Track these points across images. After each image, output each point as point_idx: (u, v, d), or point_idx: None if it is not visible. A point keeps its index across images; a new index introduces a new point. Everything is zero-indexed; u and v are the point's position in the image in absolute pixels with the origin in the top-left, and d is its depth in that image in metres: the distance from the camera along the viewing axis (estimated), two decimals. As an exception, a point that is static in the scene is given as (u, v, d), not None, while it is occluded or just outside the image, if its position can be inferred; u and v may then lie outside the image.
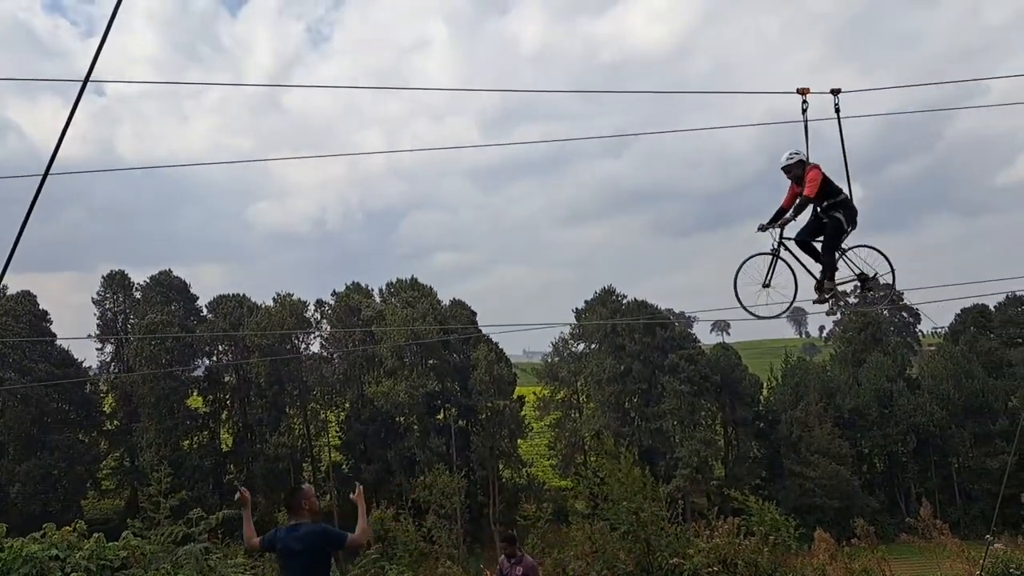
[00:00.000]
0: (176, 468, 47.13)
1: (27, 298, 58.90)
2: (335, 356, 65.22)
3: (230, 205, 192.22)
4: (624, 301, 65.81)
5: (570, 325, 67.35)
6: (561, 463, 63.01)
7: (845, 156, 8.67)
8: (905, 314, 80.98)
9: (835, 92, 8.50)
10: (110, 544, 9.85)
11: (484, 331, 61.20)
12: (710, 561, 13.85)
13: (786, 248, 8.86)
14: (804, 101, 8.46)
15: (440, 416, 61.60)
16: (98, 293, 65.01)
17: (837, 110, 8.57)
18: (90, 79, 3.38)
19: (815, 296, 8.95)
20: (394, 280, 68.08)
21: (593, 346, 66.38)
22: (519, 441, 62.46)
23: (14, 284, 60.74)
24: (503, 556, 11.19)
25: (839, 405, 61.45)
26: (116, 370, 62.84)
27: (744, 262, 8.95)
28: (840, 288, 9.00)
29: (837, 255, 8.71)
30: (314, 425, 61.20)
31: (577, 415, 65.56)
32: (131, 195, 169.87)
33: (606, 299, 66.30)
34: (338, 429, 63.04)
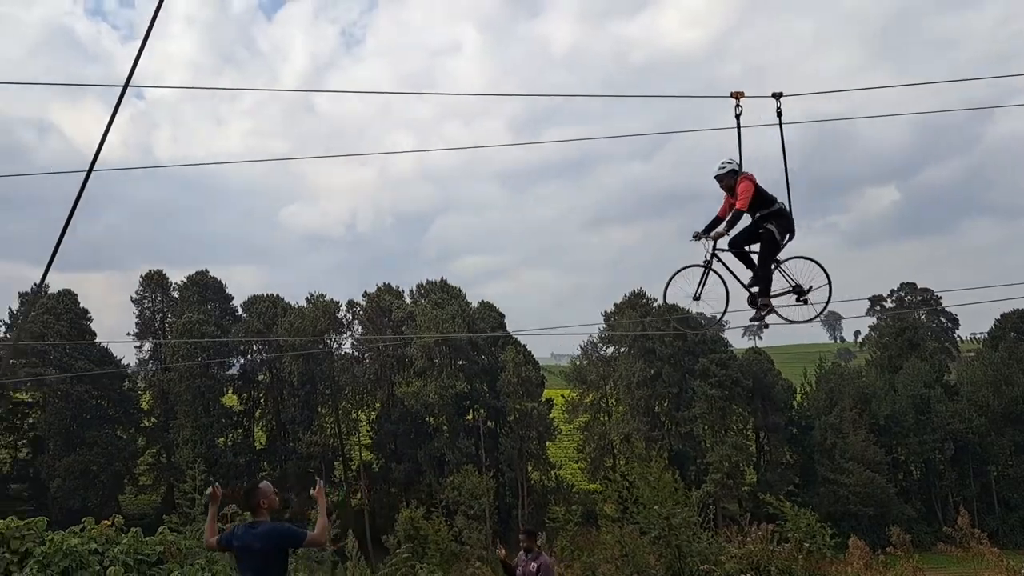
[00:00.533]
0: (211, 465, 47.82)
1: (68, 296, 60.21)
2: (366, 356, 65.75)
3: (264, 207, 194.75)
4: (655, 304, 65.46)
5: (599, 328, 67.13)
6: (590, 466, 62.84)
7: (785, 162, 8.47)
8: (943, 319, 79.51)
9: (776, 96, 8.32)
10: (147, 539, 9.98)
11: (513, 333, 61.32)
12: (742, 568, 13.69)
13: (719, 260, 8.64)
14: (738, 106, 8.23)
15: (469, 417, 61.85)
16: (137, 292, 66.28)
17: (779, 114, 8.40)
18: (129, 84, 3.47)
19: (750, 309, 8.74)
20: (424, 282, 68.60)
21: (622, 349, 66.07)
22: (547, 443, 62.44)
23: (56, 283, 62.17)
24: (522, 550, 11.18)
25: (875, 411, 60.44)
26: (154, 368, 64.01)
27: (676, 273, 8.74)
28: (775, 301, 8.64)
29: (773, 268, 8.51)
30: (345, 424, 61.77)
31: (606, 418, 65.32)
32: (169, 197, 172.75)
33: (636, 302, 65.96)
34: (369, 428, 63.57)
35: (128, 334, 65.53)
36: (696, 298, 8.59)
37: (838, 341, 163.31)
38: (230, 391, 63.08)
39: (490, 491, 45.36)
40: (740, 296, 8.79)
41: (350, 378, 62.35)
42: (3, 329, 65.11)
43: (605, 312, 68.10)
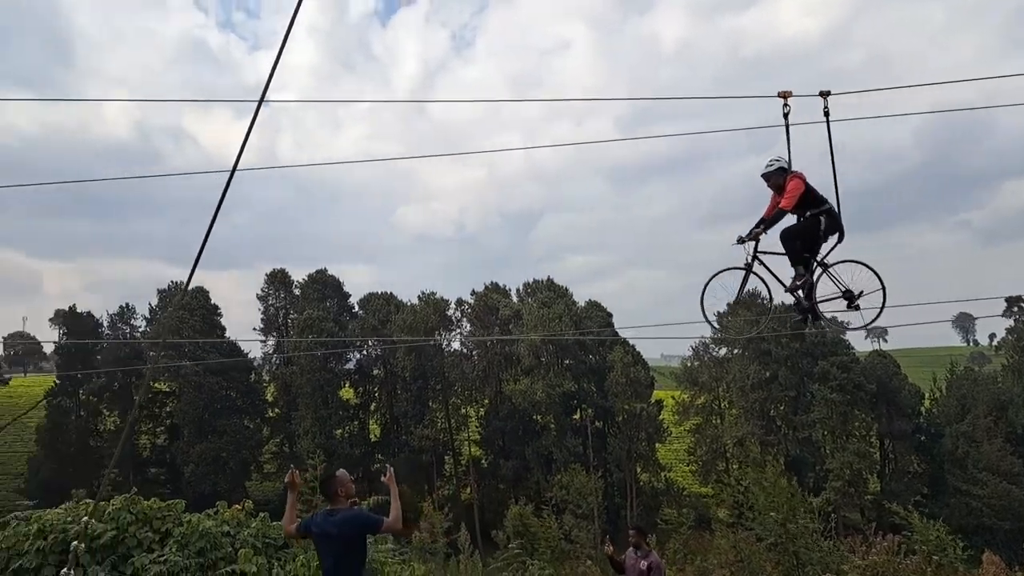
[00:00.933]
0: (329, 456, 49.94)
1: (201, 293, 64.27)
2: (474, 353, 66.80)
3: (379, 209, 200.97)
4: (771, 306, 63.00)
5: (712, 329, 65.33)
6: (701, 469, 61.45)
7: (833, 162, 8.18)
8: (1094, 322, 73.00)
9: (824, 95, 8.02)
10: (273, 523, 10.50)
11: (621, 332, 60.71)
12: (866, 579, 13.07)
13: (761, 263, 8.40)
14: (786, 105, 8.02)
15: (576, 416, 61.73)
16: (262, 289, 70.07)
17: (826, 113, 8.08)
18: (264, 100, 3.67)
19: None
20: (530, 280, 69.01)
21: (736, 351, 64.18)
22: (657, 445, 61.48)
23: (191, 280, 66.18)
24: (631, 547, 11.05)
25: (1012, 420, 56.16)
26: (277, 361, 67.40)
27: (713, 276, 8.56)
28: (823, 307, 8.38)
29: (815, 265, 8.24)
30: (455, 419, 62.96)
31: (718, 421, 63.66)
32: (292, 200, 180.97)
33: (750, 303, 63.89)
34: (478, 424, 64.54)
35: (254, 329, 69.40)
36: (737, 301, 8.69)
37: (971, 344, 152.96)
38: (347, 385, 65.57)
39: (598, 491, 45.14)
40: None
41: (459, 374, 63.47)
42: (144, 324, 70.30)
43: (718, 312, 66.14)
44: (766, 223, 8.28)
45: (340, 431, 61.78)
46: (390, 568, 11.28)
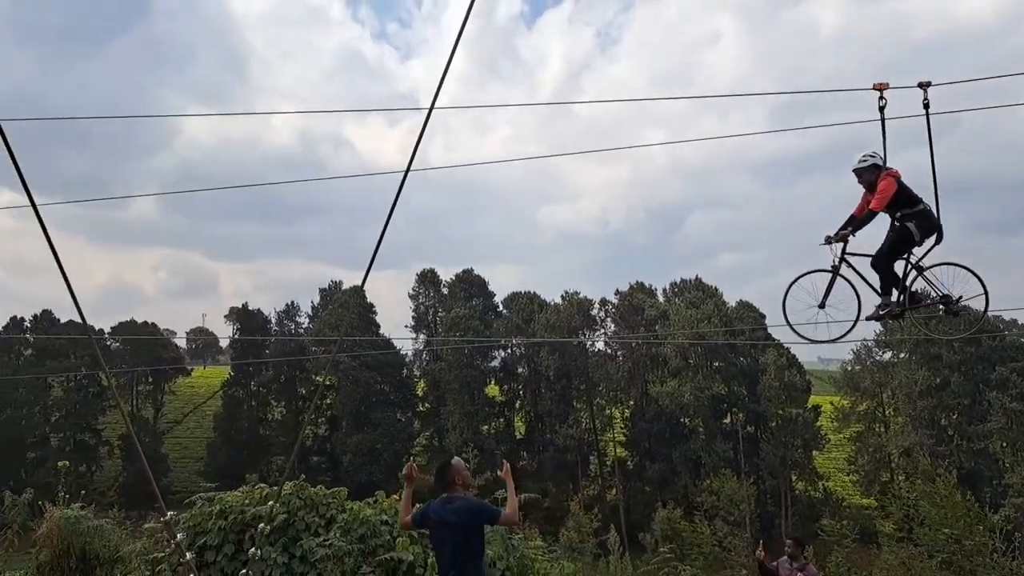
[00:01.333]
0: (477, 451, 51.18)
1: (358, 292, 67.76)
2: (619, 353, 66.22)
3: (523, 208, 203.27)
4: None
5: (875, 332, 61.30)
6: (863, 480, 57.79)
7: (933, 160, 7.55)
8: None
9: (923, 86, 7.43)
10: (429, 515, 10.82)
11: (774, 335, 58.09)
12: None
13: (848, 264, 7.95)
14: (881, 98, 7.51)
15: (727, 420, 59.77)
16: (413, 289, 72.87)
17: (926, 105, 7.47)
18: (434, 108, 3.76)
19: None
20: (677, 280, 67.56)
21: (902, 355, 59.82)
22: (814, 453, 58.39)
23: (348, 280, 70.20)
24: (785, 557, 10.51)
25: None
26: (427, 358, 69.88)
27: (797, 279, 8.07)
28: (918, 312, 7.82)
29: (912, 272, 7.70)
30: (600, 420, 62.69)
31: (882, 429, 59.58)
32: (440, 201, 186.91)
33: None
34: (623, 425, 63.94)
35: (405, 326, 72.38)
36: (821, 306, 7.98)
37: None
38: (492, 382, 66.90)
39: (750, 498, 43.45)
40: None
41: (604, 375, 63.12)
42: (307, 320, 75.02)
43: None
44: (855, 223, 7.86)
45: (486, 427, 63.14)
46: (539, 565, 11.36)
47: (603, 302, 67.76)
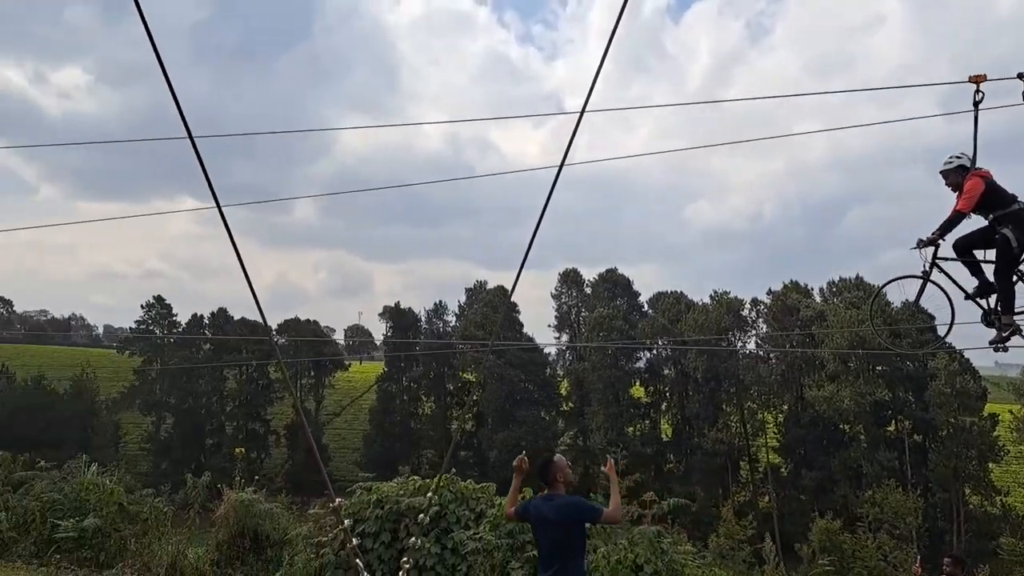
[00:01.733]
0: (625, 452, 50.68)
1: (502, 291, 69.07)
2: (772, 356, 63.54)
3: (669, 206, 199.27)
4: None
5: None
6: (1051, 498, 52.35)
7: None
8: None
9: None
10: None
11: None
12: None
13: (940, 270, 7.50)
14: (978, 91, 6.89)
15: (891, 428, 55.83)
16: (555, 288, 73.30)
17: None
18: (585, 110, 3.72)
19: (991, 331, 7.27)
20: (836, 279, 63.84)
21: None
22: (990, 465, 53.42)
23: (493, 279, 71.68)
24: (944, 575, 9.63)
25: None
26: (571, 358, 70.10)
27: (884, 285, 7.75)
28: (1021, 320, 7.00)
29: (1015, 280, 6.99)
30: (751, 424, 60.39)
31: (1075, 442, 53.68)
32: (582, 200, 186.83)
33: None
34: (776, 430, 61.29)
35: (548, 326, 72.94)
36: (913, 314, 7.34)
37: None
38: (637, 383, 66.07)
39: (918, 511, 40.35)
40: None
41: (755, 377, 60.77)
42: (454, 319, 77.28)
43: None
44: (944, 227, 7.27)
45: (632, 428, 62.44)
46: (690, 571, 11.07)
47: (754, 302, 65.30)
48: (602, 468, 6.54)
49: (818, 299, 63.44)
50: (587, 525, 6.43)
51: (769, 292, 64.86)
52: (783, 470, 59.38)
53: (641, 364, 66.67)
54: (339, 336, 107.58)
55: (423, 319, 78.06)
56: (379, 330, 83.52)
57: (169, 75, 2.86)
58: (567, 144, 3.55)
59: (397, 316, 75.73)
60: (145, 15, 2.69)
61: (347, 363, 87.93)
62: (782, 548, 40.16)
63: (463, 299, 77.38)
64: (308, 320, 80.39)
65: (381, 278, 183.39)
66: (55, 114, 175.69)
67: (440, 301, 79.44)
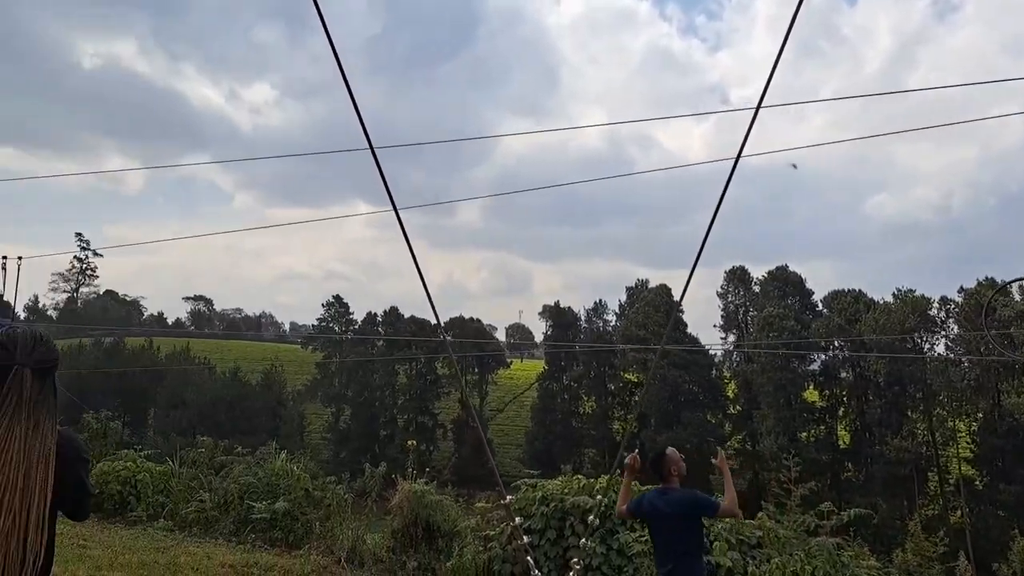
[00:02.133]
0: (798, 459, 48.26)
1: (664, 290, 67.84)
2: (964, 359, 58.10)
3: (845, 199, 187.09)
4: None
5: None
6: None
7: None
8: None
9: None
10: (746, 522, 10.44)
11: None
12: None
13: None
14: None
15: (1112, 441, 49.49)
16: (721, 287, 71.00)
17: None
18: (761, 106, 3.55)
19: None
20: (1043, 275, 57.40)
21: None
22: None
23: (654, 279, 70.58)
24: None
25: None
26: (738, 359, 67.66)
27: None
28: None
29: None
30: (940, 433, 55.58)
31: None
32: (748, 194, 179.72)
33: None
34: (969, 440, 56.03)
35: (714, 326, 70.77)
36: None
37: None
38: (811, 386, 62.66)
39: None
40: None
41: (945, 382, 55.82)
42: (614, 318, 76.85)
43: None
44: None
45: (805, 434, 59.30)
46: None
47: (944, 301, 60.00)
48: (712, 460, 6.21)
49: (1017, 297, 57.28)
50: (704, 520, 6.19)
51: (961, 290, 59.35)
52: (977, 483, 54.20)
53: (815, 366, 63.16)
54: (500, 334, 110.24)
55: (582, 318, 78.26)
56: (539, 328, 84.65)
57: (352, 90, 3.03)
58: (743, 138, 3.40)
59: (557, 315, 76.44)
60: (330, 34, 2.86)
61: (509, 360, 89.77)
62: (978, 568, 36.66)
63: (623, 298, 76.77)
64: (472, 318, 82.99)
65: (540, 277, 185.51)
66: (247, 128, 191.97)
67: (600, 300, 79.34)
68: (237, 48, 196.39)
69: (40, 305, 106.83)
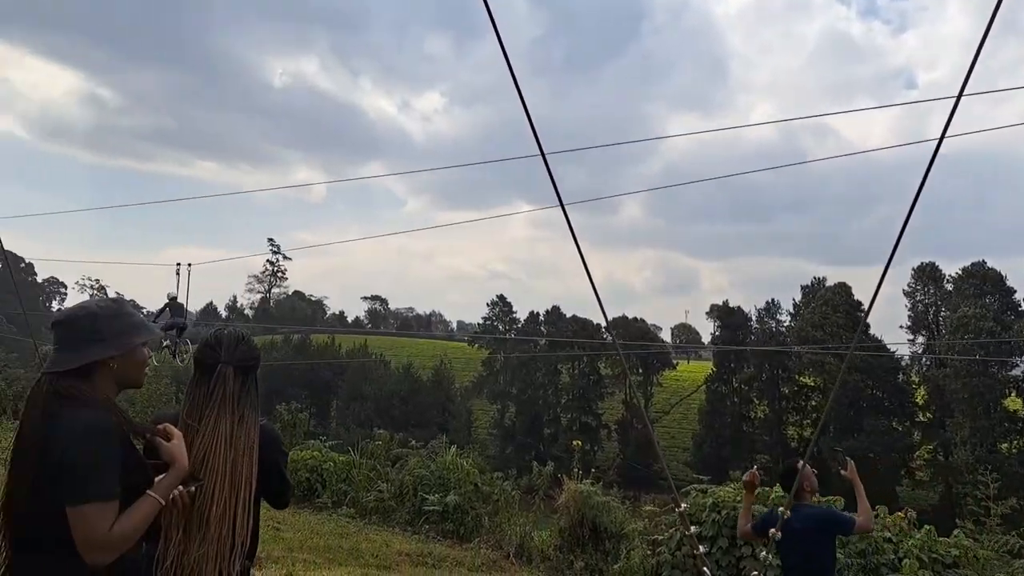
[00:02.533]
0: (995, 473, 43.83)
1: (843, 289, 63.83)
2: None
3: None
4: None
5: None
6: None
7: None
8: None
9: None
10: (940, 539, 9.70)
11: None
12: None
13: None
14: None
15: None
16: (908, 285, 65.66)
17: None
18: (962, 94, 3.26)
19: None
20: None
21: None
22: None
23: (832, 276, 66.56)
24: None
25: None
26: (927, 363, 62.44)
27: None
28: None
29: None
30: None
31: None
32: (938, 185, 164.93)
33: None
34: None
35: (900, 327, 65.57)
36: None
37: None
38: (1012, 394, 56.62)
39: None
40: None
41: None
42: (788, 319, 73.24)
43: None
44: None
45: (1006, 445, 53.70)
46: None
47: None
48: (842, 471, 5.89)
49: None
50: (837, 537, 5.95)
51: None
52: None
53: (1017, 371, 57.07)
54: (665, 335, 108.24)
55: (753, 318, 75.15)
56: (707, 329, 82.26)
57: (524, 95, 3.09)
58: (943, 126, 3.14)
59: (726, 315, 73.92)
60: (501, 39, 2.94)
61: (675, 361, 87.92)
62: None
63: (798, 297, 72.85)
64: (635, 318, 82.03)
65: (707, 275, 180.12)
66: (419, 136, 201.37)
67: (773, 299, 75.75)
68: (409, 60, 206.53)
69: (238, 305, 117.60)
